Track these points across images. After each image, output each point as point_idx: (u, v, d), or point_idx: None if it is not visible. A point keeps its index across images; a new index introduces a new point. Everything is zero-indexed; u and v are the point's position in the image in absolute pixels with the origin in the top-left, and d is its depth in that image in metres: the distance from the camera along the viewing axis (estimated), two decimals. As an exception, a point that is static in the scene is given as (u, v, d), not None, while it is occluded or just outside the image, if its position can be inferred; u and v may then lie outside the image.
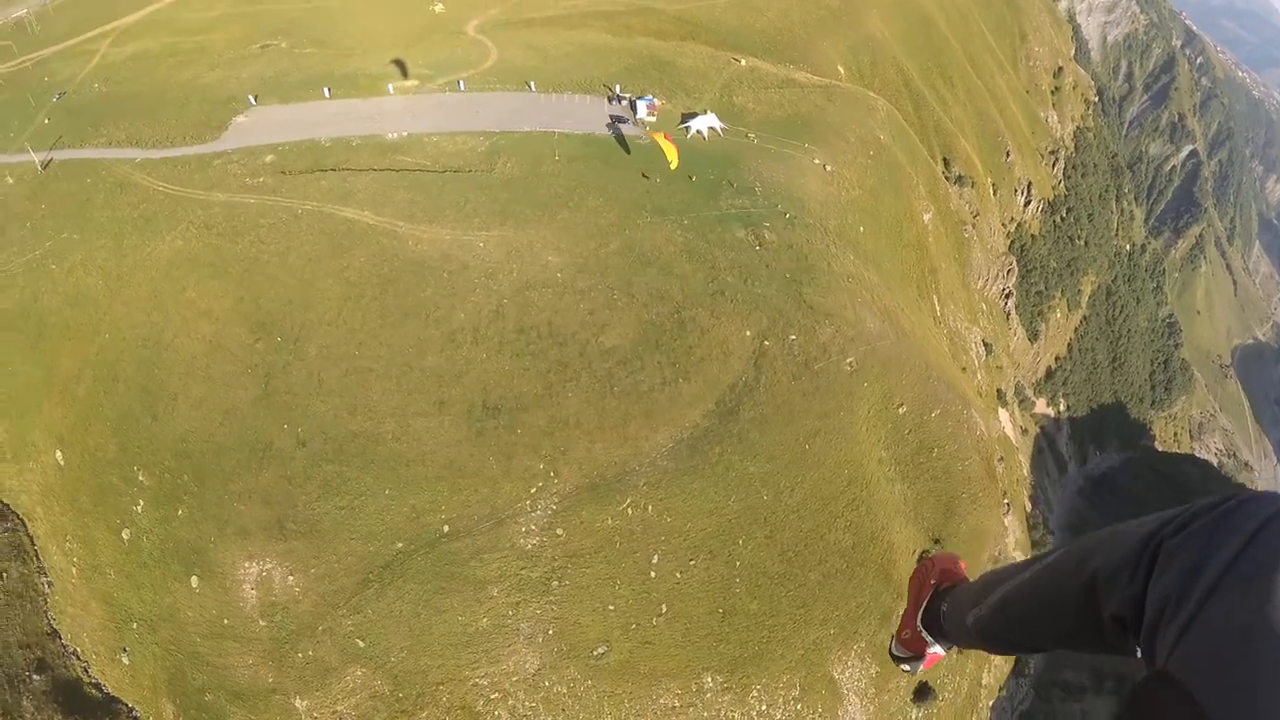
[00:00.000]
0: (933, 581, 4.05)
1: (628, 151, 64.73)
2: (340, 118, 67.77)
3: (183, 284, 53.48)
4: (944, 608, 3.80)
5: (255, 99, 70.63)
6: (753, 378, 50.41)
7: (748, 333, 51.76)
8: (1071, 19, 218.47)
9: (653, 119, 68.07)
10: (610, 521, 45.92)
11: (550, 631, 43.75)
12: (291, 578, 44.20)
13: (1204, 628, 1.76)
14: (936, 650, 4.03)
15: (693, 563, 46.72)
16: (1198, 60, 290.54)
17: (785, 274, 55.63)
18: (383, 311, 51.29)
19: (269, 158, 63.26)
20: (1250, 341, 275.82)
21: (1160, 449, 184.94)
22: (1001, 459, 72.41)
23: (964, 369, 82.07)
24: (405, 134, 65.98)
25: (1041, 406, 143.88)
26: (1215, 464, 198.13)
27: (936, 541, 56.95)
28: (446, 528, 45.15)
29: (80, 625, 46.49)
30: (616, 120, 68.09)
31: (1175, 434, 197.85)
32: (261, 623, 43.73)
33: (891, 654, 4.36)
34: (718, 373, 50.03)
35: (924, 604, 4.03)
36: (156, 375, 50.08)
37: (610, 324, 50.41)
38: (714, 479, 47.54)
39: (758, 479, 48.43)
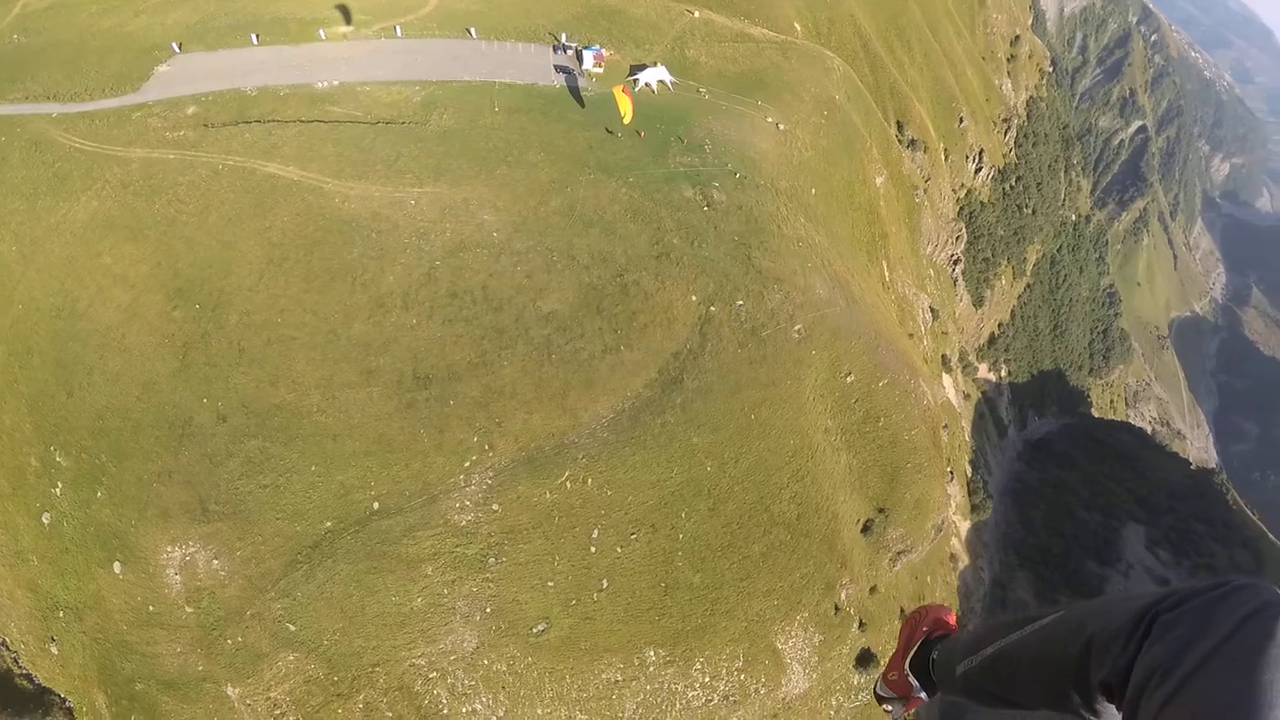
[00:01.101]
0: (924, 629, 4.19)
1: (582, 105, 61.69)
2: (268, 66, 63.33)
3: (98, 249, 49.66)
4: (934, 655, 3.97)
5: (179, 46, 65.52)
6: (698, 345, 48.46)
7: (693, 298, 49.68)
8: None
9: (599, 70, 65.02)
10: (548, 496, 44.16)
11: (488, 609, 42.47)
12: (216, 561, 42.09)
13: (1186, 702, 1.88)
14: (921, 695, 4.16)
15: (634, 536, 45.53)
16: (1152, 37, 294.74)
17: (734, 237, 53.57)
18: (307, 275, 47.86)
19: (191, 109, 58.71)
20: (1188, 314, 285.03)
21: (1097, 415, 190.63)
22: (946, 426, 72.28)
23: (911, 335, 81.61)
24: (336, 83, 61.68)
25: (984, 372, 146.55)
26: (1149, 432, 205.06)
27: (881, 511, 56.61)
28: (377, 505, 43.11)
29: (8, 615, 44.16)
30: (562, 70, 64.79)
31: (1112, 401, 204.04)
32: (188, 609, 41.75)
33: (876, 694, 4.49)
34: (661, 340, 47.94)
35: (914, 649, 4.17)
36: (71, 348, 46.51)
37: (549, 288, 47.74)
38: (656, 451, 45.83)
39: (701, 450, 46.85)
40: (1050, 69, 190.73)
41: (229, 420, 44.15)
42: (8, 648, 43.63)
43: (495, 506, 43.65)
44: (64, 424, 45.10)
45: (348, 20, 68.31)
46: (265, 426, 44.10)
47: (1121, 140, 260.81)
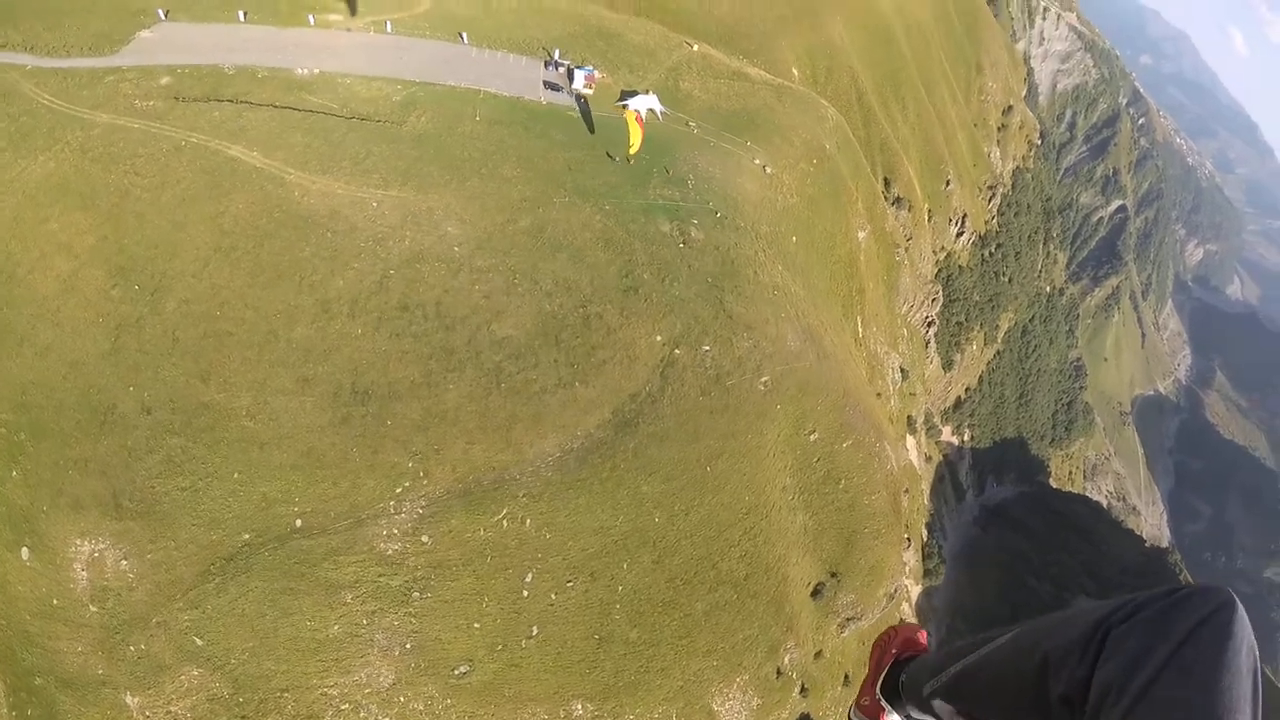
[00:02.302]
0: (894, 651, 4.26)
1: (591, 131, 59.90)
2: (251, 45, 61.02)
3: (47, 213, 47.15)
4: (903, 677, 4.01)
5: (165, 14, 63.13)
6: (658, 388, 46.23)
7: (658, 337, 47.50)
8: (1027, 60, 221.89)
9: (589, 91, 63.22)
10: (482, 533, 41.46)
11: (408, 645, 39.87)
12: (125, 562, 39.57)
13: (1144, 714, 1.88)
14: (894, 718, 4.12)
15: (570, 584, 42.92)
16: (1140, 120, 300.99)
17: (707, 277, 51.62)
18: (254, 269, 45.14)
19: (165, 80, 56.16)
20: (1151, 393, 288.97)
21: (1055, 486, 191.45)
22: (907, 491, 70.63)
23: (879, 394, 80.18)
24: (317, 71, 59.30)
25: (947, 434, 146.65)
26: (1105, 505, 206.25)
27: (834, 575, 54.56)
28: (299, 522, 40.48)
29: None
30: (550, 87, 62.87)
31: (1070, 473, 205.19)
32: (92, 608, 39.33)
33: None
34: (620, 379, 45.63)
35: (884, 672, 4.21)
36: (4, 314, 43.93)
37: (506, 311, 45.28)
38: (603, 496, 43.32)
39: (651, 499, 44.43)
40: (1039, 141, 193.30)
41: (153, 413, 41.61)
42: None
43: (425, 538, 40.96)
44: (-13, 392, 42.06)
45: (352, 10, 66.05)
46: (190, 425, 41.51)
47: (1101, 217, 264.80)
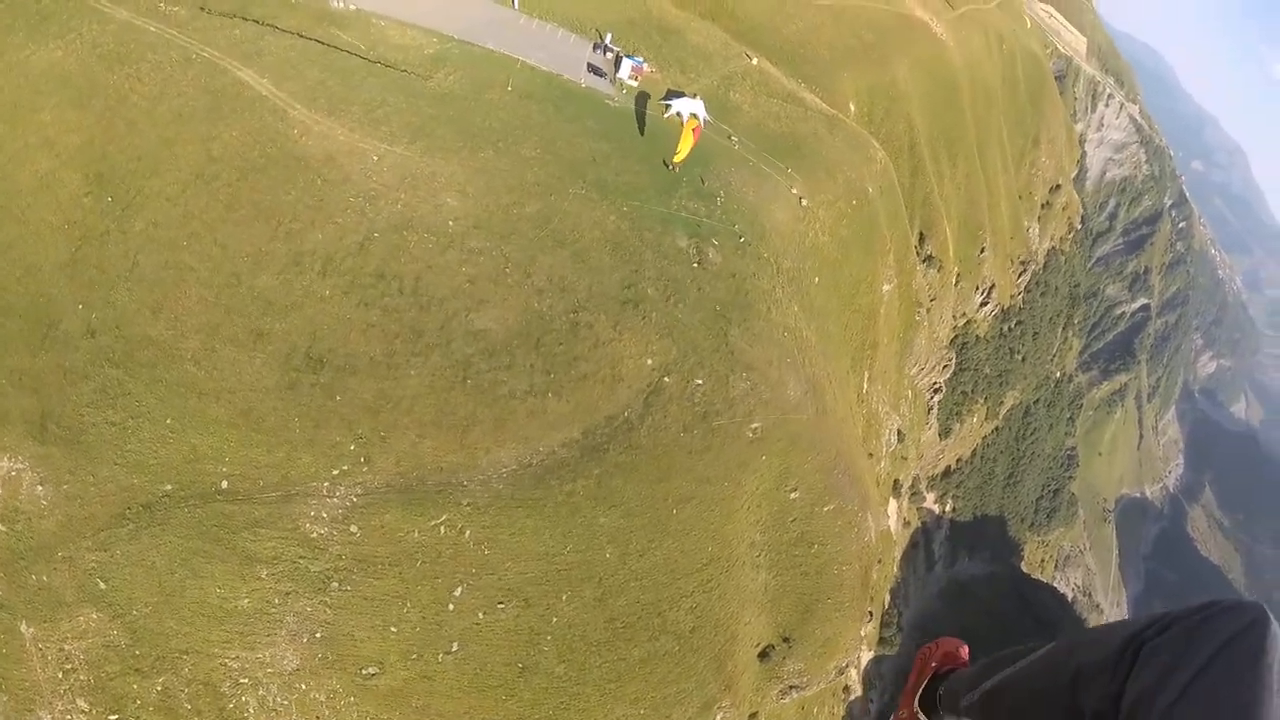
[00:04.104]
0: (934, 664, 4.22)
1: (641, 133, 56.79)
2: None
3: (44, 103, 44.98)
4: (941, 690, 3.96)
5: None
6: (637, 415, 42.51)
7: (649, 360, 43.74)
8: (1082, 143, 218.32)
9: (634, 83, 59.70)
10: (416, 535, 37.99)
11: (318, 634, 37.25)
12: (40, 487, 37.80)
13: None
14: None
15: (501, 606, 39.48)
16: (1180, 224, 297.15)
17: (716, 305, 47.90)
18: (231, 203, 41.91)
19: None
20: (1138, 495, 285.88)
21: (1025, 570, 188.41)
22: (880, 562, 67.24)
23: (871, 454, 76.58)
24: (353, 7, 55.91)
25: (930, 501, 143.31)
26: (1070, 598, 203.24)
27: (786, 640, 51.05)
28: (225, 484, 37.83)
29: None
30: (594, 71, 59.22)
31: (1042, 560, 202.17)
32: (1, 527, 37.66)
33: None
34: (598, 398, 41.90)
35: (923, 686, 4.19)
36: None
37: (490, 301, 41.57)
38: (554, 520, 39.66)
39: (605, 533, 40.78)
40: (1079, 225, 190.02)
41: (97, 337, 39.14)
42: None
43: (354, 529, 37.66)
44: (-63, 278, 40.13)
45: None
46: (132, 358, 38.81)
47: (1124, 312, 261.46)
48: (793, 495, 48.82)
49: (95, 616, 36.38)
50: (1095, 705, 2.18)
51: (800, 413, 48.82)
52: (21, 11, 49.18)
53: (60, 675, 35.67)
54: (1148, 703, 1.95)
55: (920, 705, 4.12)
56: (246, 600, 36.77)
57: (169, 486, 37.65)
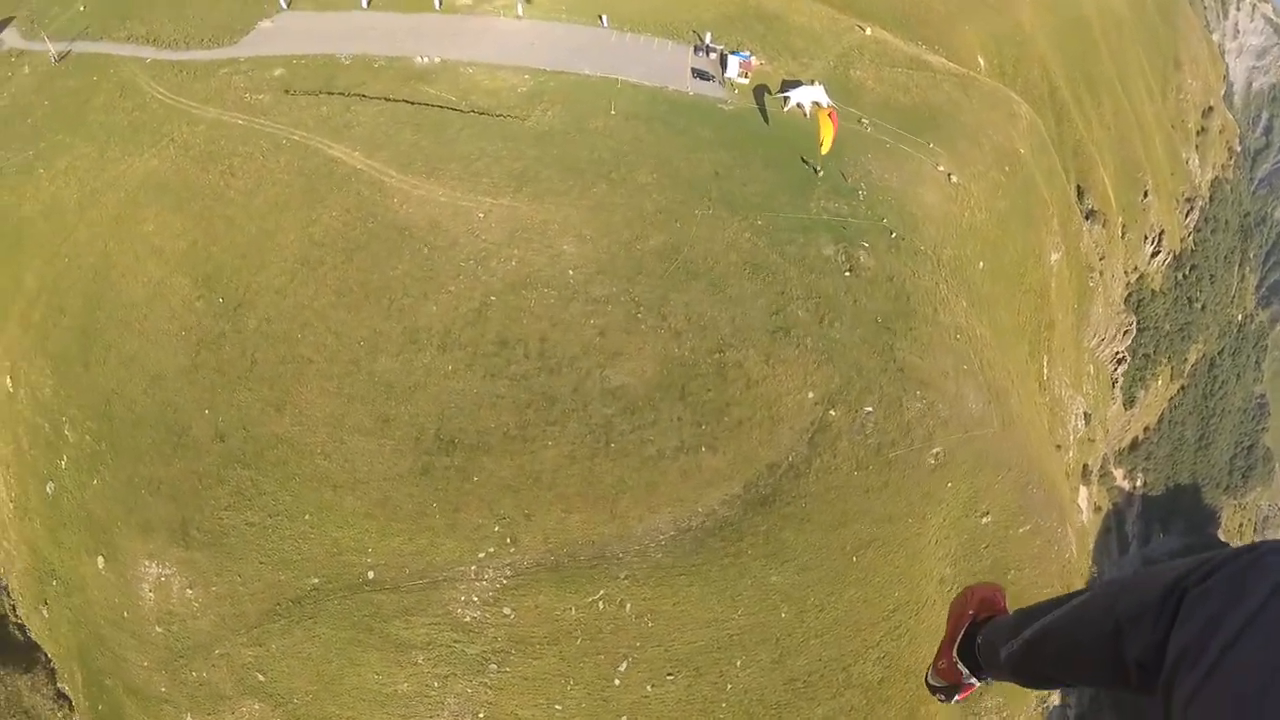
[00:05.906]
0: (971, 612, 3.97)
1: (766, 121, 53.09)
2: (372, 32, 57.46)
3: (145, 214, 46.34)
4: (980, 639, 3.79)
5: (287, 3, 60.59)
6: (803, 458, 37.59)
7: (810, 394, 38.60)
8: (1222, 55, 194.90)
9: (745, 80, 55.03)
10: (573, 613, 35.48)
11: (480, 715, 36.06)
12: (190, 590, 38.62)
13: (1222, 680, 1.76)
14: (972, 681, 3.97)
15: (670, 678, 36.36)
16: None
17: (877, 316, 42.32)
18: (340, 287, 40.86)
19: (278, 71, 53.57)
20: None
21: (1224, 539, 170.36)
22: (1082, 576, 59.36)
23: (1059, 446, 68.10)
24: (438, 60, 54.19)
25: (1120, 478, 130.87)
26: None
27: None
28: (371, 574, 36.87)
29: (11, 562, 43.99)
30: (700, 75, 54.88)
31: (1241, 525, 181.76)
32: (158, 629, 39.13)
33: (928, 683, 4.30)
34: (757, 445, 37.36)
35: (960, 634, 3.97)
36: (97, 317, 43.59)
37: (624, 353, 37.91)
38: (720, 585, 35.80)
39: (779, 592, 36.44)
40: (1238, 148, 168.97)
41: (226, 440, 39.21)
42: (9, 594, 43.86)
43: (507, 610, 35.74)
44: (76, 397, 42.54)
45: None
46: (262, 458, 38.53)
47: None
48: (984, 520, 42.52)
49: (257, 707, 36.93)
50: (1138, 655, 2.04)
51: (984, 427, 42.39)
52: (113, 128, 50.74)
53: (227, 763, 35.98)
54: (1195, 651, 1.78)
55: (959, 655, 3.77)
56: (405, 684, 35.98)
57: (316, 580, 37.25)
